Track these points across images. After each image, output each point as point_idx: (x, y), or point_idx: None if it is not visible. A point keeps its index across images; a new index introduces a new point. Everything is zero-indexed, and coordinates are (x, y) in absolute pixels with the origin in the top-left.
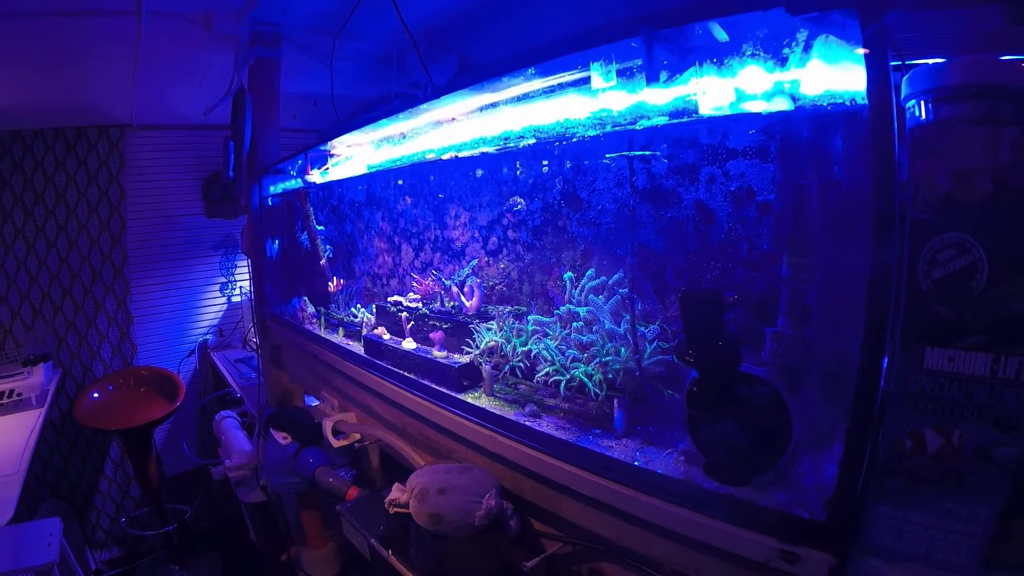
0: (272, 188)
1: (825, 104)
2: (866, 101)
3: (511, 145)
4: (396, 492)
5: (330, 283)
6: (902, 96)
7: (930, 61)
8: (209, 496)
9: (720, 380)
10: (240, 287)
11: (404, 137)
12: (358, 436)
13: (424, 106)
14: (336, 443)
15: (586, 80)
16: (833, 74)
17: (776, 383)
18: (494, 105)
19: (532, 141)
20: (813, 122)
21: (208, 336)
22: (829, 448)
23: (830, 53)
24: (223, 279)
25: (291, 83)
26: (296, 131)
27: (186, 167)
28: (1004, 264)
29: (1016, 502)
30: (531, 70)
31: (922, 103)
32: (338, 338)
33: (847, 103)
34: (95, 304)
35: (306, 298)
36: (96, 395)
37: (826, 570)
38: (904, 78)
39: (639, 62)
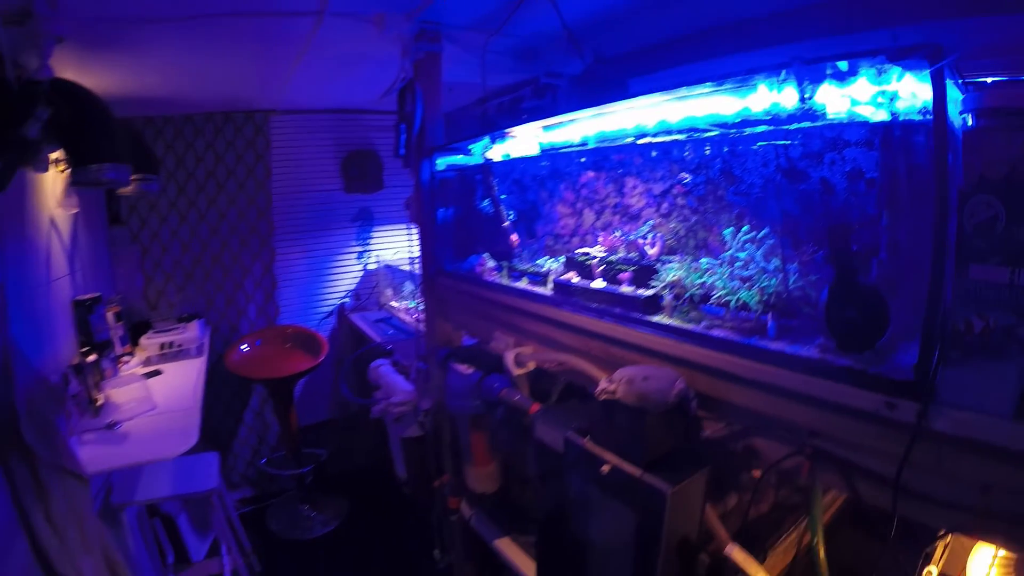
0: (442, 163)
1: (911, 112)
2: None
3: (676, 135)
4: (604, 384)
5: (512, 242)
6: (960, 111)
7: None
8: (340, 445)
9: (848, 280)
10: (376, 256)
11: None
12: (533, 365)
13: (614, 104)
14: (517, 371)
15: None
16: (918, 90)
17: (879, 288)
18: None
19: (714, 133)
20: (903, 125)
21: (346, 300)
22: (913, 336)
23: (916, 79)
24: (359, 248)
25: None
26: None
27: (326, 147)
28: (1013, 215)
29: None
30: (709, 85)
31: (969, 116)
32: (522, 285)
33: (926, 112)
34: (243, 269)
35: (486, 255)
36: (245, 348)
37: (914, 413)
38: (962, 99)
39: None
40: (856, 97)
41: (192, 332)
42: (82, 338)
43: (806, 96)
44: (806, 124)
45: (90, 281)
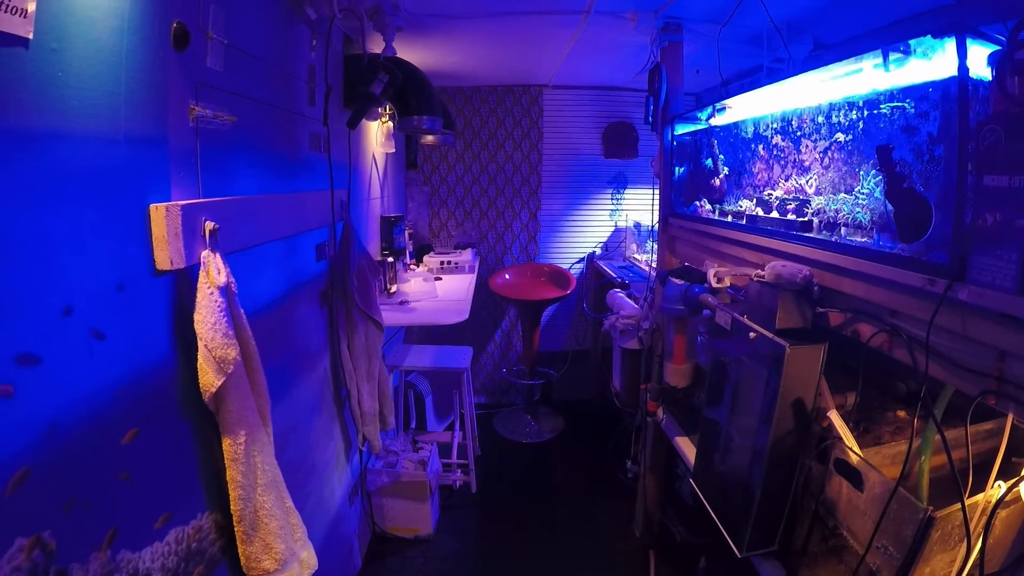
0: (679, 129)
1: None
2: (977, 75)
3: (832, 103)
4: (758, 271)
5: (722, 190)
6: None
7: None
8: (568, 374)
9: (897, 185)
10: (626, 215)
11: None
12: (728, 282)
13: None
14: (716, 285)
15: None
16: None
17: (924, 194)
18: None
19: (860, 99)
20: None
21: (596, 249)
22: (947, 229)
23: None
24: (612, 207)
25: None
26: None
27: (589, 118)
28: (1010, 136)
29: None
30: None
31: (990, 70)
32: (727, 220)
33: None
34: (512, 213)
35: (704, 200)
36: (508, 276)
37: (944, 287)
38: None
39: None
40: (923, 65)
41: (466, 256)
42: (384, 244)
43: (891, 68)
44: (900, 86)
45: (392, 207)
